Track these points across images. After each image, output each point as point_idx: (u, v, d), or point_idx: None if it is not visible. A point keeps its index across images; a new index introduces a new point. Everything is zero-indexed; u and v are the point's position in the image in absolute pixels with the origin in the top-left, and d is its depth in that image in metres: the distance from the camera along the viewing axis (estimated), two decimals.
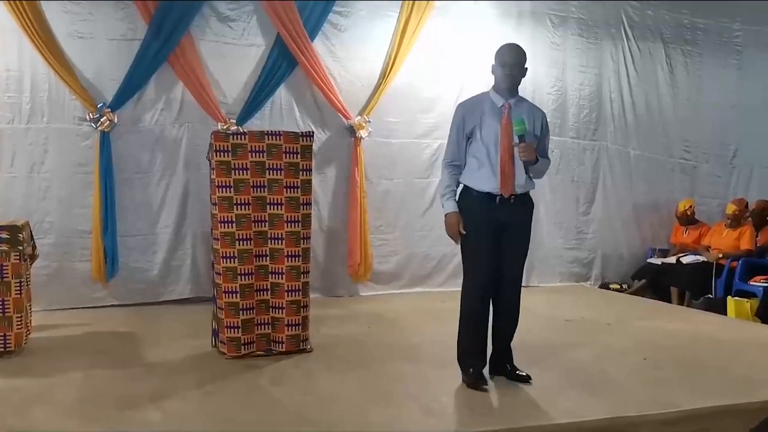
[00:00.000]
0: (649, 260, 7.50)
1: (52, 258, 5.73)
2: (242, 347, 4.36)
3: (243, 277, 4.34)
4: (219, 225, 4.33)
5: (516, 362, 3.99)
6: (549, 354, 4.55)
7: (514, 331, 3.99)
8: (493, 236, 3.81)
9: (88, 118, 5.79)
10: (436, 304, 6.08)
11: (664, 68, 7.85)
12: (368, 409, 3.50)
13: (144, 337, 4.94)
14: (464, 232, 3.83)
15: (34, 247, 4.81)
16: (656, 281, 7.22)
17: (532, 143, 3.77)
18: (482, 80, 6.93)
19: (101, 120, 5.78)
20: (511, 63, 3.81)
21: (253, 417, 3.41)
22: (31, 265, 4.74)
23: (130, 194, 5.99)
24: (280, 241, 4.41)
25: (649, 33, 7.75)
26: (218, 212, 4.33)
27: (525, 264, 4.02)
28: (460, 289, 5.77)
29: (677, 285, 6.95)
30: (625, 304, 6.61)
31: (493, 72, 3.90)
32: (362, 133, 6.43)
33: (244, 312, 4.35)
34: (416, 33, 6.59)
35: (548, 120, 7.02)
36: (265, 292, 4.44)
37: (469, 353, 3.90)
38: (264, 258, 4.42)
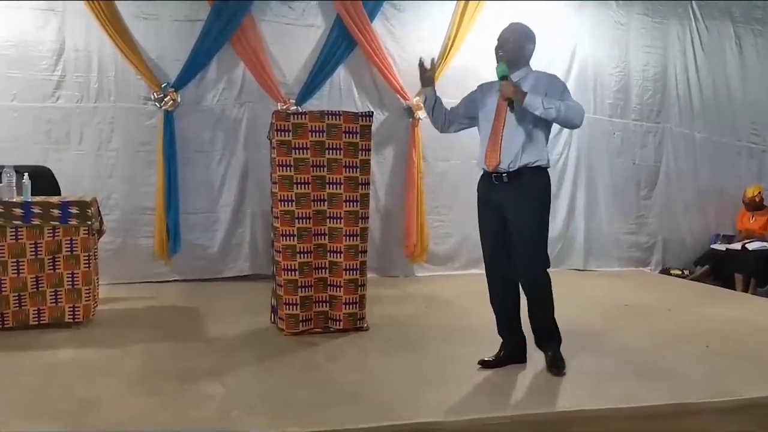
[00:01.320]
0: (712, 246, 7.32)
1: (117, 234, 5.92)
2: (300, 324, 4.43)
3: (302, 255, 4.40)
4: (279, 203, 4.39)
5: (573, 347, 3.93)
6: (606, 339, 4.48)
7: (541, 315, 3.77)
8: (493, 217, 3.75)
9: (152, 97, 5.93)
10: None
11: (732, 49, 7.60)
12: (421, 389, 3.51)
13: (204, 313, 5.06)
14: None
15: (101, 223, 4.96)
16: (720, 267, 7.05)
17: (513, 84, 3.62)
18: (541, 60, 6.86)
19: (165, 99, 5.92)
20: (500, 43, 3.76)
21: (309, 393, 3.46)
22: (98, 240, 4.89)
23: (192, 173, 6.13)
24: (338, 221, 4.45)
25: (717, 12, 7.51)
26: (278, 191, 4.39)
27: (539, 247, 3.74)
28: None
29: (742, 272, 6.76)
30: (687, 290, 6.46)
31: None
32: (420, 114, 6.40)
33: (303, 289, 4.42)
34: (476, 13, 6.52)
35: (609, 101, 7.05)
36: (323, 270, 4.49)
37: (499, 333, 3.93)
38: (323, 237, 4.46)
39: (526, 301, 3.81)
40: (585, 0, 7.00)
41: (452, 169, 6.73)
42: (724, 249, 7.10)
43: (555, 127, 7.02)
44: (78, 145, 5.87)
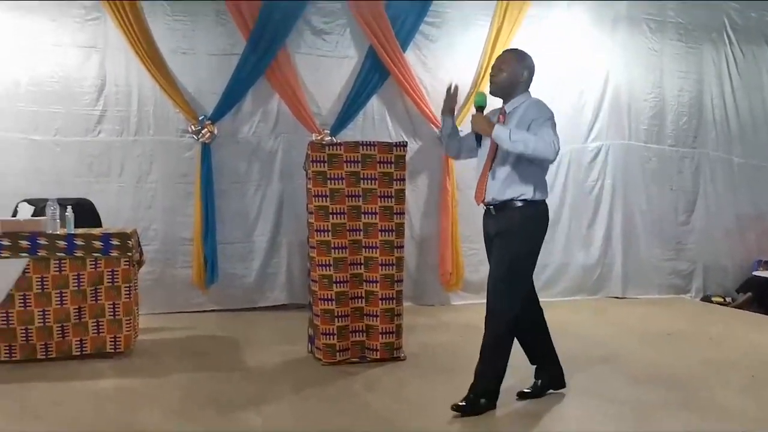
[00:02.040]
0: (754, 273, 7.16)
1: (156, 264, 6.00)
2: (337, 354, 4.44)
3: (338, 284, 4.42)
4: (315, 233, 4.43)
5: (616, 378, 3.87)
6: (650, 370, 4.41)
7: (494, 344, 3.60)
8: (488, 245, 3.76)
9: (190, 130, 6.04)
10: None
11: None
12: (458, 418, 3.49)
13: (242, 342, 5.09)
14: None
15: (141, 254, 5.04)
16: (763, 294, 6.88)
17: (487, 117, 3.61)
18: (575, 88, 6.92)
19: (202, 132, 6.02)
20: (493, 71, 3.70)
21: (347, 422, 3.46)
22: (138, 270, 4.97)
23: (228, 203, 6.21)
24: (374, 250, 4.47)
25: (752, 36, 7.44)
26: (314, 221, 4.43)
27: (506, 283, 3.57)
28: (553, 299, 5.73)
29: None
30: (730, 318, 6.33)
31: None
32: None
33: (340, 319, 4.43)
34: (508, 41, 6.54)
35: (644, 127, 7.00)
36: (359, 300, 4.50)
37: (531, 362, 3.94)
38: (359, 266, 4.48)
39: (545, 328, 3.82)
40: (617, 24, 6.99)
41: None
42: (767, 275, 6.94)
43: (590, 152, 7.04)
44: (119, 178, 5.99)
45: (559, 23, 6.79)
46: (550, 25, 6.75)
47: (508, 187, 3.57)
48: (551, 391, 3.86)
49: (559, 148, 3.46)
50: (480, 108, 3.64)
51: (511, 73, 3.63)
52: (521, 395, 3.79)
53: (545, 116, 3.53)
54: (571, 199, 6.95)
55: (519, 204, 3.57)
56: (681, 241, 7.31)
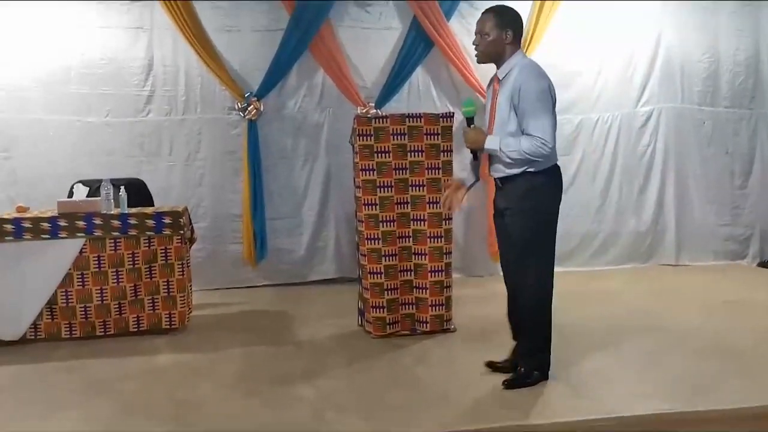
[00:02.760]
0: None
1: (206, 241, 6.09)
2: (387, 327, 4.46)
3: (387, 258, 4.44)
4: (363, 207, 4.44)
5: (671, 345, 3.79)
6: (709, 338, 4.32)
7: (529, 320, 3.54)
8: (497, 220, 3.64)
9: (236, 107, 6.09)
10: (579, 285, 5.92)
11: None
12: (515, 392, 3.48)
13: (293, 316, 5.17)
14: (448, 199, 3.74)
15: (192, 231, 5.13)
16: None
17: (479, 129, 3.45)
18: (622, 52, 6.73)
19: (248, 109, 6.07)
20: (477, 37, 3.49)
21: (399, 395, 3.49)
22: (190, 247, 5.06)
23: (276, 179, 6.26)
24: (422, 223, 4.46)
25: None
26: (362, 195, 4.44)
27: (527, 253, 3.45)
28: (604, 267, 5.56)
29: None
30: None
31: None
32: None
33: (389, 292, 4.45)
34: (554, 6, 6.38)
35: (697, 89, 6.78)
36: (409, 273, 4.51)
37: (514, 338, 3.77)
38: (407, 239, 4.48)
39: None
40: None
41: None
42: None
43: (641, 116, 6.83)
44: (168, 157, 6.09)
45: None
46: None
47: (508, 165, 3.41)
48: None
49: (552, 144, 3.29)
50: (470, 119, 3.48)
51: (496, 36, 3.41)
52: (491, 365, 3.73)
53: (537, 95, 3.30)
54: (621, 165, 6.79)
55: (527, 175, 3.39)
56: (737, 206, 7.09)
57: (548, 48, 6.41)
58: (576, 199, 6.60)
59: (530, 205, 3.42)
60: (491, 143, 3.39)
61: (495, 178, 3.56)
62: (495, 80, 3.54)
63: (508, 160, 3.37)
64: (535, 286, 3.48)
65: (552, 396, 3.43)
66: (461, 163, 6.28)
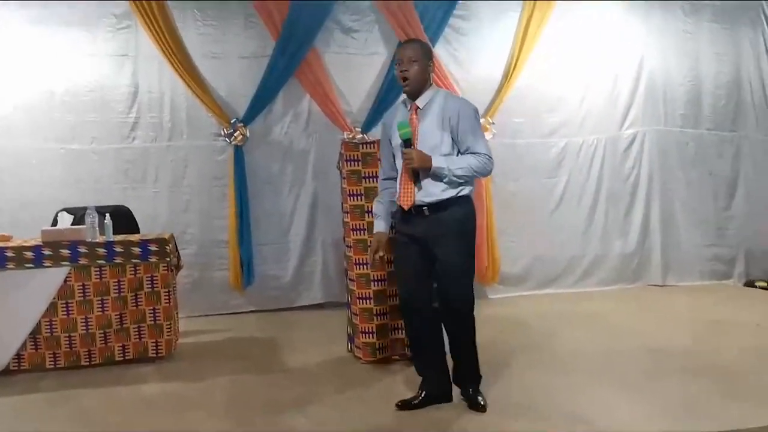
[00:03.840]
0: None
1: (193, 267, 6.04)
2: (377, 352, 4.43)
3: (376, 283, 4.41)
4: (351, 232, 4.43)
5: (659, 366, 3.78)
6: (694, 358, 4.32)
7: (468, 343, 3.65)
8: (410, 248, 3.53)
9: (222, 133, 6.08)
10: (567, 307, 5.93)
11: None
12: (507, 420, 3.45)
13: (282, 343, 5.11)
14: (378, 256, 3.63)
15: (178, 258, 5.07)
16: None
17: (420, 151, 3.37)
18: (606, 77, 6.81)
19: (234, 135, 6.06)
20: (402, 59, 3.45)
21: (393, 422, 3.45)
22: (176, 275, 5.01)
23: (262, 205, 6.23)
24: None
25: None
26: (350, 220, 4.43)
27: (471, 272, 3.63)
28: (591, 289, 5.53)
29: None
30: None
31: None
32: (486, 135, 6.36)
33: (379, 317, 4.42)
34: (539, 32, 6.47)
35: (680, 112, 6.87)
36: (397, 298, 4.47)
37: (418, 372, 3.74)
38: None
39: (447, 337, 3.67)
40: (651, 8, 6.85)
41: (522, 189, 6.65)
42: None
43: (626, 139, 6.90)
44: (154, 183, 6.05)
45: (592, 9, 6.68)
46: (583, 11, 6.65)
47: (449, 184, 3.40)
48: (437, 403, 3.65)
49: (493, 163, 3.45)
50: (407, 140, 3.39)
51: (423, 64, 3.44)
52: (402, 404, 3.62)
53: (475, 117, 3.47)
54: (607, 188, 6.85)
55: (460, 200, 3.44)
56: (722, 227, 7.15)
57: (533, 72, 6.50)
58: (562, 222, 6.65)
59: (469, 228, 3.53)
60: (438, 161, 3.37)
61: (422, 206, 3.45)
62: (413, 109, 3.48)
63: (453, 178, 3.38)
64: (472, 303, 3.59)
65: (550, 419, 3.41)
66: None
